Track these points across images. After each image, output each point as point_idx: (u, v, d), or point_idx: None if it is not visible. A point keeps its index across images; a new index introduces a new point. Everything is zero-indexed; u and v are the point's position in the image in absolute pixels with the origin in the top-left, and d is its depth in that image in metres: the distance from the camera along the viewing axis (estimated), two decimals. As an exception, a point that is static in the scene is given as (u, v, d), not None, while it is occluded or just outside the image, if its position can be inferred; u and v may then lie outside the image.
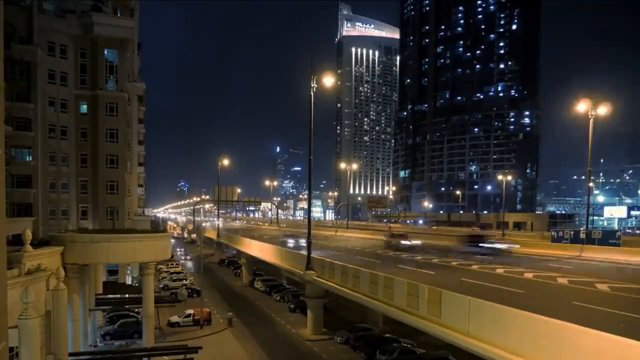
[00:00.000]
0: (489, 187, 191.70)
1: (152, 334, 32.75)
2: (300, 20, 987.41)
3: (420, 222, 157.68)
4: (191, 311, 45.62)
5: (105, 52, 49.90)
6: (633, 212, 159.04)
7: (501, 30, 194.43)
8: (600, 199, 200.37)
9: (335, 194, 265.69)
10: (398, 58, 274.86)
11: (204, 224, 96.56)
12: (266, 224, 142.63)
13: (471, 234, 58.07)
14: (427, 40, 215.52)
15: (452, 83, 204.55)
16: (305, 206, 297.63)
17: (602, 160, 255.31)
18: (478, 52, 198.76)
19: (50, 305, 22.58)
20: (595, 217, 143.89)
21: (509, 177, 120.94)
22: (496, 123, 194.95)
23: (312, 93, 36.02)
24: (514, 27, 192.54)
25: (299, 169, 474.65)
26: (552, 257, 42.32)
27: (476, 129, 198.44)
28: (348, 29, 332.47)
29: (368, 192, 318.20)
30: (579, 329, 14.49)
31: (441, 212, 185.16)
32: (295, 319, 48.23)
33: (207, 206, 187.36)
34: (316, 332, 41.95)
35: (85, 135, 49.40)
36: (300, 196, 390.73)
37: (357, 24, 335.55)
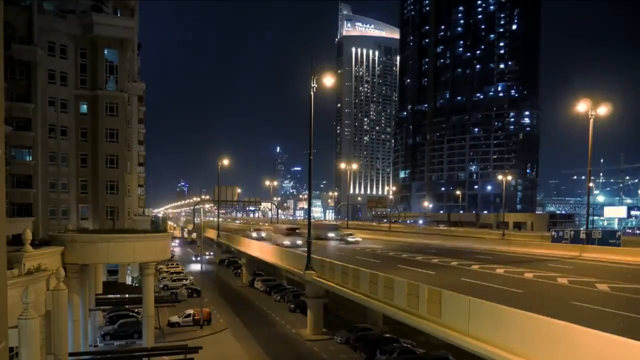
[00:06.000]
0: (489, 187, 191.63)
1: (152, 334, 32.74)
2: (301, 21, 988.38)
3: (420, 222, 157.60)
4: (191, 311, 45.60)
5: (105, 52, 49.87)
6: (633, 212, 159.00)
7: (501, 30, 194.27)
8: (600, 199, 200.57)
9: (335, 194, 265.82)
10: (398, 58, 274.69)
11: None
12: (266, 224, 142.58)
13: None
14: (427, 40, 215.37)
15: (452, 83, 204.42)
16: (306, 206, 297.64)
17: (602, 161, 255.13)
18: (478, 52, 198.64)
19: (50, 305, 22.57)
20: (595, 217, 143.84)
21: (509, 177, 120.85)
22: (496, 123, 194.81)
23: (312, 93, 36.01)
24: (514, 27, 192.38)
25: (299, 169, 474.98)
26: (552, 257, 42.33)
27: (476, 129, 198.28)
28: (348, 29, 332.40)
29: (368, 192, 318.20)
30: (578, 329, 14.49)
31: (441, 212, 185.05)
32: (295, 319, 48.21)
33: (207, 206, 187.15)
34: (316, 332, 41.93)
35: (85, 135, 49.37)
36: (301, 196, 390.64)
37: (357, 24, 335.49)
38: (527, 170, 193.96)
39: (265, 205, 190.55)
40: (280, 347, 39.34)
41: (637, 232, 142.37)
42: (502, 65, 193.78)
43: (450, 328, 19.98)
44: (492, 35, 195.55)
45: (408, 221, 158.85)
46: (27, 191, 45.24)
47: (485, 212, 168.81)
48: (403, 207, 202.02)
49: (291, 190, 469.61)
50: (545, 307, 18.84)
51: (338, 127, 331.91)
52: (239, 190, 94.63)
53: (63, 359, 22.36)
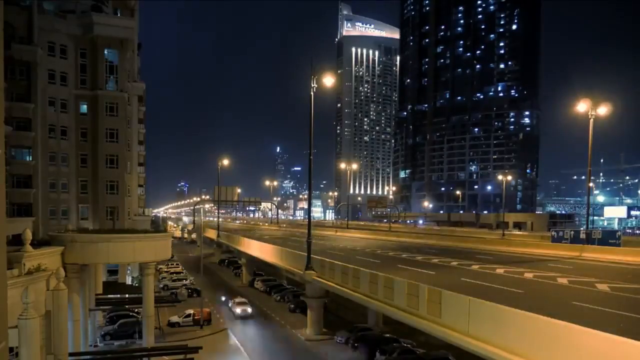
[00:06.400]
0: (489, 187, 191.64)
1: (152, 334, 32.75)
2: (301, 21, 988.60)
3: (420, 222, 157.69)
4: (191, 311, 45.59)
5: (105, 52, 49.87)
6: (633, 212, 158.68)
7: (501, 30, 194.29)
8: (600, 199, 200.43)
9: (335, 194, 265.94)
10: (398, 58, 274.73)
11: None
12: (266, 224, 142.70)
13: None
14: (427, 40, 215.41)
15: (452, 83, 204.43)
16: (305, 206, 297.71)
17: (602, 161, 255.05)
18: (478, 52, 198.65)
19: (50, 305, 22.57)
20: (595, 217, 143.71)
21: (509, 177, 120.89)
22: (496, 123, 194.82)
23: (312, 93, 36.00)
24: (514, 27, 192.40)
25: (299, 169, 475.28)
26: (552, 257, 42.32)
27: (476, 129, 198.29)
28: (348, 29, 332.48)
29: (368, 192, 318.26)
30: (577, 329, 14.49)
31: (441, 212, 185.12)
32: (295, 319, 48.20)
33: (207, 206, 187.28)
34: (316, 332, 41.92)
35: (85, 135, 49.37)
36: (301, 196, 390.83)
37: (357, 24, 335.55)
38: (527, 170, 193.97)
39: (265, 205, 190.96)
40: (280, 347, 39.34)
41: (637, 232, 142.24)
42: (502, 65, 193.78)
43: (450, 328, 19.98)
44: (492, 35, 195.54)
45: (408, 221, 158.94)
46: (27, 191, 45.24)
47: (485, 212, 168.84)
48: (403, 207, 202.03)
49: (291, 190, 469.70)
50: (546, 307, 18.84)
51: (338, 127, 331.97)
52: (239, 190, 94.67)
53: (63, 359, 22.36)
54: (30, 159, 45.92)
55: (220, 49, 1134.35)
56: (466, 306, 19.09)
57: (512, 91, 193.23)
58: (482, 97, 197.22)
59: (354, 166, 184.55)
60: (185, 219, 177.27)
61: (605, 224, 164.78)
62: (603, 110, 44.19)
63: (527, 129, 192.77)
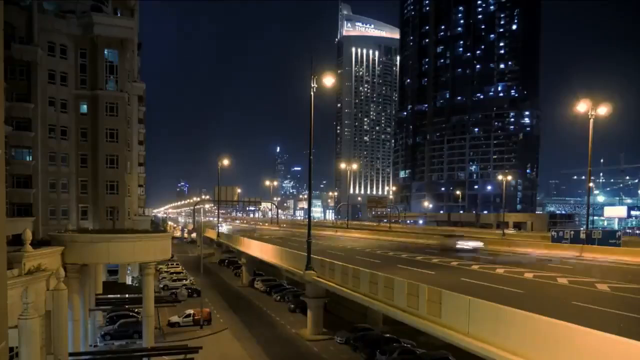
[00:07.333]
0: (489, 187, 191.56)
1: (152, 334, 32.75)
2: (301, 21, 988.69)
3: (420, 222, 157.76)
4: (191, 311, 45.63)
5: (105, 52, 49.84)
6: (633, 212, 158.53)
7: (501, 30, 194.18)
8: (601, 199, 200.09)
9: (335, 194, 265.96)
10: (398, 58, 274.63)
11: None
12: (266, 224, 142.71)
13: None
14: (427, 40, 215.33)
15: (452, 83, 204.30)
16: (305, 206, 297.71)
17: (602, 161, 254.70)
18: (478, 52, 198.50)
19: (50, 305, 22.57)
20: (595, 217, 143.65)
21: (509, 177, 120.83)
22: (496, 123, 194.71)
23: (312, 93, 35.99)
24: (514, 27, 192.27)
25: (299, 169, 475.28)
26: (552, 257, 42.33)
27: (476, 129, 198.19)
28: (348, 29, 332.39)
29: (368, 192, 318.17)
30: (578, 329, 14.49)
31: (441, 212, 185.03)
32: (295, 319, 48.22)
33: (207, 206, 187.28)
34: (316, 332, 41.94)
35: (85, 135, 49.35)
36: (300, 196, 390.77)
37: (357, 24, 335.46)
38: (527, 171, 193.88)
39: (265, 205, 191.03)
40: (280, 347, 39.34)
41: (638, 232, 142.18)
42: (502, 65, 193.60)
43: (450, 328, 19.97)
44: (492, 35, 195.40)
45: (408, 221, 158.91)
46: (27, 191, 45.22)
47: (485, 212, 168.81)
48: (403, 207, 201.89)
49: (291, 190, 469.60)
50: (546, 307, 18.84)
51: (338, 127, 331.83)
52: (239, 190, 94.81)
53: (63, 359, 22.36)
54: (30, 159, 45.90)
55: (220, 49, 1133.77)
56: (466, 306, 19.08)
57: (512, 91, 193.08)
58: (482, 97, 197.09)
59: (354, 166, 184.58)
60: (184, 219, 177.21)
61: (605, 224, 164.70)
62: (603, 110, 44.19)
63: (527, 129, 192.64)
